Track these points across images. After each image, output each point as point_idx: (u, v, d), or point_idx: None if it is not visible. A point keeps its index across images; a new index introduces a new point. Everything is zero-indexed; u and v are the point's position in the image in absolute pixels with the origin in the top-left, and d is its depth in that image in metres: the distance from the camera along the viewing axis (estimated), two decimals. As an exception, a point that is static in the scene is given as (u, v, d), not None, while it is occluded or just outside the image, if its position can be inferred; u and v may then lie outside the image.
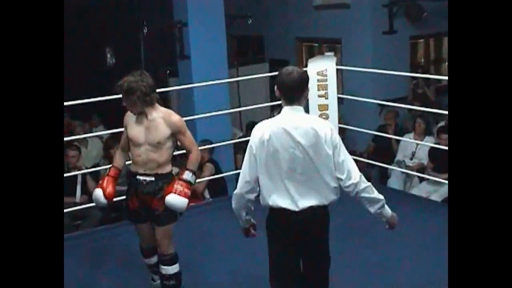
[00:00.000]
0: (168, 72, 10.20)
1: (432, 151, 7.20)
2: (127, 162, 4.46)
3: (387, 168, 7.80)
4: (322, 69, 6.45)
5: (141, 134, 4.07)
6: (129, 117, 4.16)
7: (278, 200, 3.34)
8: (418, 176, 7.38)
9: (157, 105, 4.09)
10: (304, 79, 3.35)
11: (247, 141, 3.41)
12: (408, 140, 7.72)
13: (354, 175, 3.34)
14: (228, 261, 4.97)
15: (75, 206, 6.32)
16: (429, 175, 7.13)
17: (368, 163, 7.42)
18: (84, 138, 8.13)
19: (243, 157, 3.43)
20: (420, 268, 4.67)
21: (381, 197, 3.42)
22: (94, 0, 10.73)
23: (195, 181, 4.20)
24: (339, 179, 3.34)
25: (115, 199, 4.38)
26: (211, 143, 7.23)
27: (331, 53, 7.45)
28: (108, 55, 11.86)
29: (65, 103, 5.55)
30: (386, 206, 3.45)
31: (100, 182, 4.35)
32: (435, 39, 10.90)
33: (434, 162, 7.19)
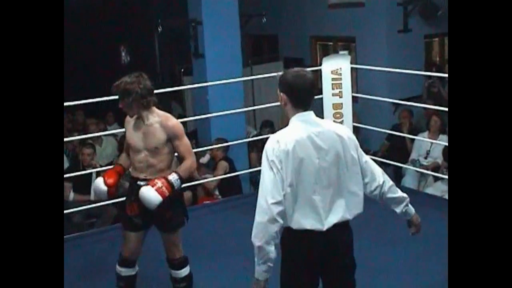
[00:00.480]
0: (182, 70, 10.24)
1: (447, 150, 7.16)
2: None
3: (401, 167, 7.76)
4: (336, 67, 6.44)
5: (139, 140, 3.94)
6: (128, 122, 4.04)
7: (302, 220, 2.97)
8: (433, 175, 7.35)
9: (154, 108, 3.94)
10: (314, 80, 3.15)
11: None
12: (422, 139, 7.69)
13: (377, 176, 3.15)
14: (237, 262, 4.95)
15: (89, 204, 6.36)
16: (443, 174, 7.10)
17: (382, 162, 7.39)
18: (99, 136, 8.17)
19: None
20: (434, 267, 4.64)
21: (405, 195, 3.26)
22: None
23: (179, 188, 3.94)
24: (364, 185, 3.12)
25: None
26: (226, 141, 7.24)
27: (346, 52, 7.44)
28: (123, 53, 11.95)
29: (80, 102, 5.61)
30: (409, 205, 3.28)
31: (103, 173, 4.23)
32: (450, 38, 10.81)
33: (449, 161, 7.16)
